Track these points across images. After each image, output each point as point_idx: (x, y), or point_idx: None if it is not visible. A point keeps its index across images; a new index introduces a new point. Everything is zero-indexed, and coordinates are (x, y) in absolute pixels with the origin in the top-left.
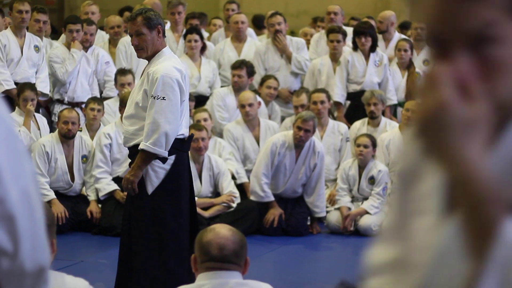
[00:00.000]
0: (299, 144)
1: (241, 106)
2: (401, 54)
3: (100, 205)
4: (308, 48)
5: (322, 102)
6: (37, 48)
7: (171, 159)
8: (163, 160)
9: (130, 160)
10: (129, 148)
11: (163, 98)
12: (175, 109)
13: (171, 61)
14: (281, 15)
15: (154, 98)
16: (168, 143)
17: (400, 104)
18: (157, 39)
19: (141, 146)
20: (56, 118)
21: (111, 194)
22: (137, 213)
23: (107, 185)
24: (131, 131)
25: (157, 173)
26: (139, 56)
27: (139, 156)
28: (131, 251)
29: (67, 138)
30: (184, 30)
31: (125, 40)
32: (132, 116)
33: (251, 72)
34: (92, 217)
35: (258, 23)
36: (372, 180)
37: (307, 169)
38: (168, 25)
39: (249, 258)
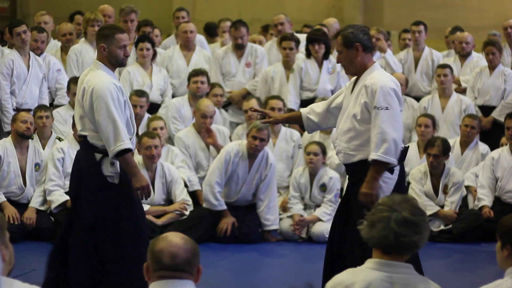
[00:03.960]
0: (254, 153)
1: (203, 116)
2: None
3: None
4: None
5: (279, 109)
6: None
7: (397, 169)
8: (391, 171)
9: None
10: (350, 164)
11: (387, 108)
12: (399, 118)
13: (384, 73)
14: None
15: (378, 108)
16: (397, 151)
17: None
18: (356, 56)
19: (373, 157)
20: (3, 123)
21: (64, 206)
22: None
23: (60, 196)
24: (351, 147)
25: (387, 184)
26: (346, 73)
27: (373, 168)
28: (345, 263)
29: (25, 137)
30: (136, 38)
31: (76, 48)
32: (349, 130)
33: (209, 80)
34: (23, 223)
35: (210, 31)
36: (323, 187)
37: (259, 180)
38: None
39: (202, 266)
